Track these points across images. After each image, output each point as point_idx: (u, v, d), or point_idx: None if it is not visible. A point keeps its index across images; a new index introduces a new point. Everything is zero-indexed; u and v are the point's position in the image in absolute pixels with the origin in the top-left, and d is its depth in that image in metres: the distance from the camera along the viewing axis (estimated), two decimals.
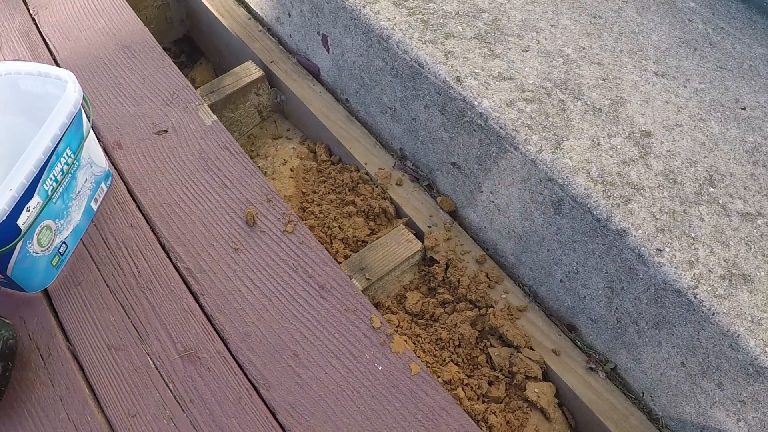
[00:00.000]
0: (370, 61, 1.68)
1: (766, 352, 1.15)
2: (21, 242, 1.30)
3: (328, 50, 1.84)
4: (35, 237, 1.34)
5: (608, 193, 1.30)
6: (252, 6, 2.13)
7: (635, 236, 1.25)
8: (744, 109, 1.53)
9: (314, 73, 1.97)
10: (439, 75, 1.48)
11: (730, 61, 1.64)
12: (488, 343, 1.52)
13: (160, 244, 1.51)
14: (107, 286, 1.46)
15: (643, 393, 1.43)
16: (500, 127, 1.40)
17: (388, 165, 1.78)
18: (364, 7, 1.63)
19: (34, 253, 1.36)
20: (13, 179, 1.24)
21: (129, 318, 1.41)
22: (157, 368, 1.35)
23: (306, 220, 1.72)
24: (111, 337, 1.38)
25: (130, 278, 1.47)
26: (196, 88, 1.83)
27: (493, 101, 1.43)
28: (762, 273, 1.24)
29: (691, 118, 1.47)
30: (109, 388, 1.32)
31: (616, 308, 1.38)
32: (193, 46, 2.50)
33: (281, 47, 2.03)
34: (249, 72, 1.96)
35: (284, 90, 1.96)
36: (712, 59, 1.64)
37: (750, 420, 1.23)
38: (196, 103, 1.74)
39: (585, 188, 1.30)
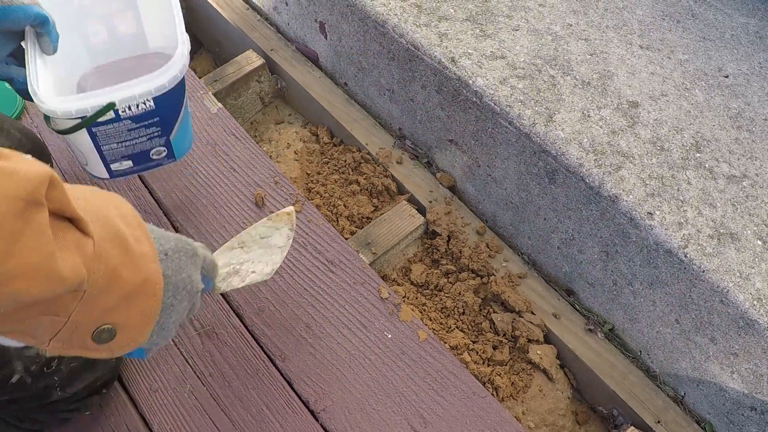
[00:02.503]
0: (367, 46, 1.74)
1: (754, 305, 1.21)
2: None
3: (326, 37, 1.89)
4: None
5: (599, 162, 1.36)
6: None
7: (627, 201, 1.31)
8: (727, 77, 1.59)
9: (313, 59, 2.02)
10: (435, 56, 1.54)
11: (713, 32, 1.70)
12: (491, 310, 1.58)
13: (174, 227, 1.56)
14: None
15: (640, 351, 1.50)
16: (494, 104, 1.46)
17: (388, 144, 1.84)
18: None
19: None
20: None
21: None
22: (176, 345, 1.41)
23: (312, 199, 1.77)
24: None
25: None
26: (198, 77, 1.87)
27: (487, 79, 1.49)
28: (748, 231, 1.30)
29: (677, 87, 1.53)
30: (131, 366, 1.38)
31: (612, 271, 1.44)
32: (192, 38, 2.54)
33: (280, 35, 2.08)
34: (250, 60, 2.01)
35: (285, 76, 2.01)
36: (694, 30, 1.70)
37: (743, 371, 1.29)
38: (201, 92, 1.79)
39: (577, 158, 1.37)
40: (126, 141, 1.41)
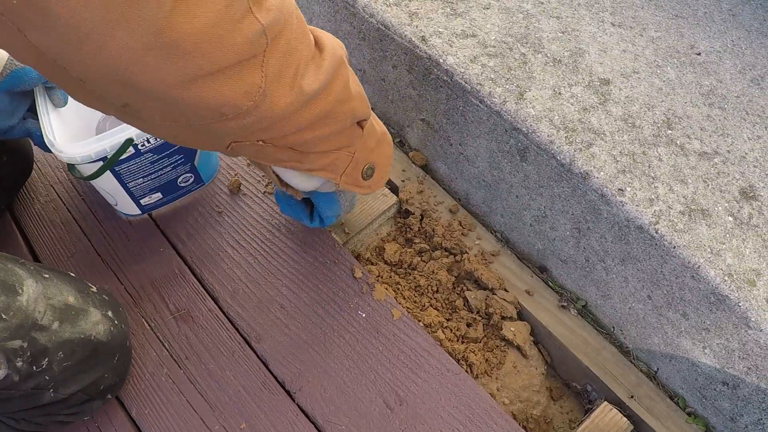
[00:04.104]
0: (338, 26, 1.73)
1: (725, 281, 1.22)
2: None
3: None
4: None
5: (570, 139, 1.36)
6: None
7: (597, 178, 1.32)
8: (699, 54, 1.59)
9: None
10: (405, 36, 1.54)
11: (685, 9, 1.71)
12: (464, 288, 1.59)
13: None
14: (98, 254, 1.52)
15: (613, 327, 1.50)
16: (465, 82, 1.45)
17: None
18: None
19: None
20: None
21: (122, 284, 1.47)
22: (152, 329, 1.41)
23: None
24: None
25: (120, 246, 1.52)
26: None
27: (458, 58, 1.49)
28: (719, 208, 1.31)
29: (648, 65, 1.53)
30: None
31: (584, 248, 1.44)
32: None
33: None
34: None
35: None
36: (667, 8, 1.70)
37: (714, 346, 1.30)
38: None
39: (548, 135, 1.37)
40: (151, 174, 1.43)
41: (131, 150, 1.33)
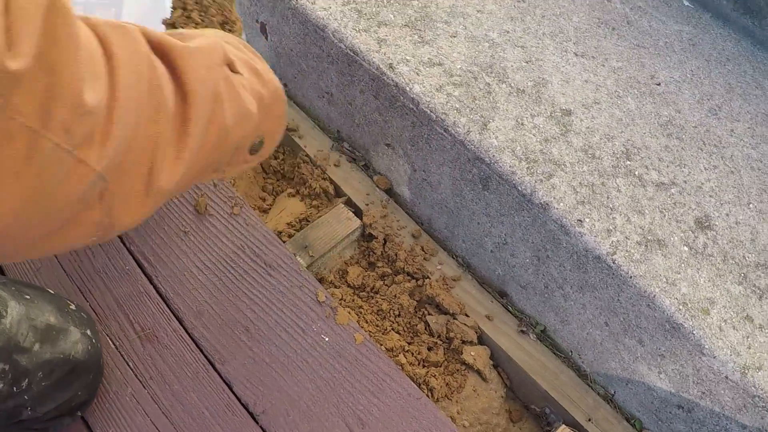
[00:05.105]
0: (307, 49, 1.75)
1: (680, 309, 1.26)
2: None
3: (266, 37, 1.90)
4: None
5: (532, 170, 1.39)
6: None
7: (557, 209, 1.35)
8: (659, 84, 1.63)
9: None
10: (373, 62, 1.56)
11: (647, 39, 1.75)
12: (426, 312, 1.61)
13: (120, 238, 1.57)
14: (64, 270, 1.52)
15: (571, 352, 1.54)
16: (431, 111, 1.48)
17: (327, 147, 1.85)
18: None
19: None
20: None
21: (87, 301, 1.47)
22: (117, 348, 1.41)
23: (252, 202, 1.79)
24: None
25: (86, 262, 1.53)
26: None
27: (424, 86, 1.51)
28: (675, 238, 1.34)
29: (609, 95, 1.57)
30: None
31: (543, 275, 1.47)
32: None
33: None
34: None
35: None
36: (629, 38, 1.74)
37: (669, 372, 1.34)
38: None
39: (510, 166, 1.40)
40: None
41: None
